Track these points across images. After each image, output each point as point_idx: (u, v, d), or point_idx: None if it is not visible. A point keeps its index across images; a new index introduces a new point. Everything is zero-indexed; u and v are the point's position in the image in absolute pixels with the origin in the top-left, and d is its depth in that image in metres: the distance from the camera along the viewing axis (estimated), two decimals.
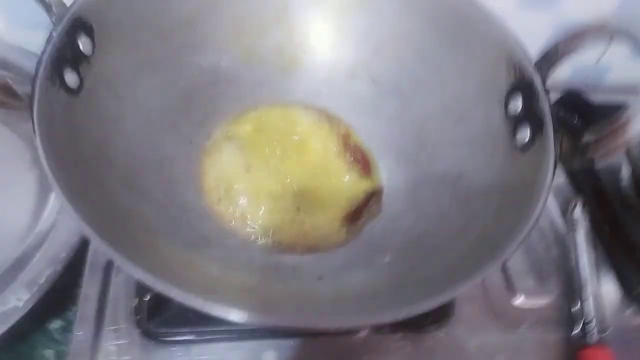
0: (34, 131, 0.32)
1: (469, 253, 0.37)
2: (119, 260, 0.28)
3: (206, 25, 0.49)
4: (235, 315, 0.27)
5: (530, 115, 0.40)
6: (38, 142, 0.31)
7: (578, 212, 0.53)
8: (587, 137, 0.37)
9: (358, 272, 0.40)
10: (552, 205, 0.57)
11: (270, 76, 0.52)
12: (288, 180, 0.46)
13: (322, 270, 0.40)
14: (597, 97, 0.60)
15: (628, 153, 0.55)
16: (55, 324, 0.53)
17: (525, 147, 0.40)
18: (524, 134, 0.41)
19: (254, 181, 0.46)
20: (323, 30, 0.53)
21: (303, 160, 0.48)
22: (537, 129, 0.39)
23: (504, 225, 0.36)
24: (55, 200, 0.52)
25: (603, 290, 0.50)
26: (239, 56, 0.51)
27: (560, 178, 0.60)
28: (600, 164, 0.59)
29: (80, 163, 0.35)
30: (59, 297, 0.51)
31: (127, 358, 0.40)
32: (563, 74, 0.72)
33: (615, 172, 0.62)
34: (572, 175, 0.60)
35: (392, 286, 0.37)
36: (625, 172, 0.60)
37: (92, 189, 0.34)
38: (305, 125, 0.51)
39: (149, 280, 0.28)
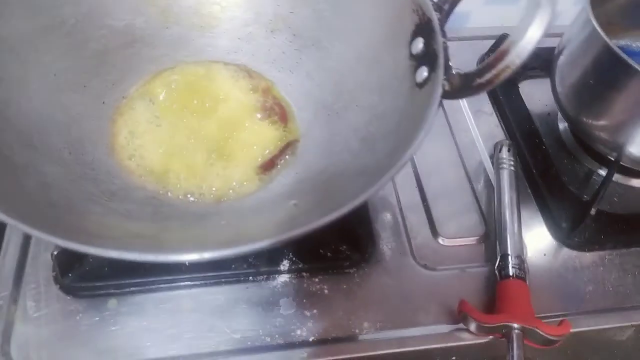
0: None
1: (366, 185, 0.37)
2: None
3: None
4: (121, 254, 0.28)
5: (428, 54, 0.41)
6: None
7: (504, 153, 0.53)
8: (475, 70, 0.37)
9: (262, 216, 0.41)
10: (482, 151, 0.57)
11: (188, 35, 0.52)
12: (202, 134, 0.46)
13: (228, 217, 0.41)
14: None
15: (556, 97, 0.55)
16: None
17: (422, 84, 0.40)
18: (422, 72, 0.41)
19: (166, 137, 0.46)
20: None
21: (219, 115, 0.48)
22: (433, 66, 0.39)
23: (393, 159, 0.36)
24: None
25: (529, 230, 0.51)
26: (155, 16, 0.51)
27: (493, 125, 0.60)
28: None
29: None
30: None
31: (45, 312, 0.41)
32: (511, 20, 0.71)
33: (552, 115, 0.62)
34: (505, 120, 0.60)
35: (295, 221, 0.37)
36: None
37: None
38: (223, 81, 0.51)
39: (35, 233, 0.28)
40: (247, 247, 0.28)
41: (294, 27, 0.52)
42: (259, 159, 0.46)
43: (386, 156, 0.38)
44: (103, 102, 0.47)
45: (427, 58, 0.41)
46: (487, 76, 0.36)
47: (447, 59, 0.39)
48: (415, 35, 0.43)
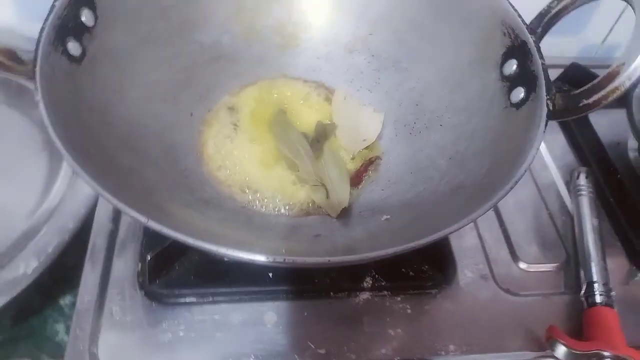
0: (35, 88, 0.33)
1: (465, 205, 0.37)
2: (124, 209, 0.29)
3: (206, 3, 0.50)
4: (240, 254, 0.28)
5: (524, 75, 0.41)
6: (39, 98, 0.33)
7: (582, 180, 0.53)
8: (581, 90, 0.37)
9: (355, 230, 0.41)
10: (556, 177, 0.57)
11: (269, 53, 0.53)
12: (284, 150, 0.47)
13: (319, 230, 0.41)
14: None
15: (633, 126, 0.55)
16: (65, 300, 0.54)
17: (519, 104, 0.41)
18: (519, 93, 0.41)
19: (253, 150, 0.46)
20: (321, 7, 0.54)
21: (302, 130, 0.49)
22: (531, 86, 0.40)
23: (498, 177, 0.36)
24: (63, 177, 0.54)
25: (608, 257, 0.50)
26: (239, 34, 0.52)
27: (565, 151, 0.60)
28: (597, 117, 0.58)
29: (80, 124, 0.36)
30: (68, 272, 0.53)
31: (130, 318, 0.41)
32: (570, 51, 0.72)
33: (621, 145, 0.61)
34: (577, 147, 0.60)
35: (391, 236, 0.37)
36: (633, 144, 0.60)
37: (91, 148, 0.35)
38: (304, 98, 0.52)
39: (155, 226, 0.29)
40: (374, 253, 0.28)
41: (372, 49, 0.53)
42: None
43: (485, 175, 0.38)
44: (191, 114, 0.48)
45: (524, 79, 0.41)
46: (595, 97, 0.36)
47: (548, 80, 0.39)
48: (507, 57, 0.43)
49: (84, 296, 0.42)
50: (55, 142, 0.31)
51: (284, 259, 0.28)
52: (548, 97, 0.38)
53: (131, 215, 0.29)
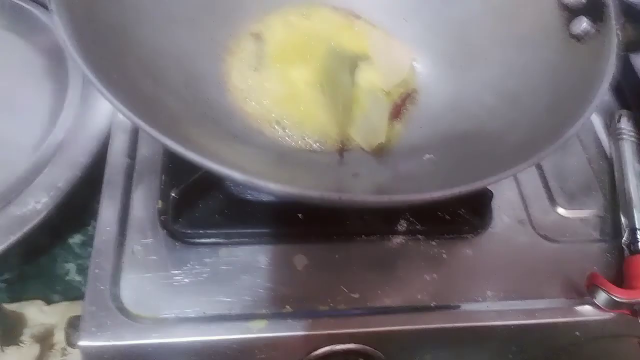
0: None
1: (519, 146, 0.34)
2: (160, 137, 0.25)
3: None
4: (276, 187, 0.25)
5: (588, 4, 0.37)
6: (53, 7, 0.28)
7: (624, 123, 0.50)
8: None
9: (396, 169, 0.38)
10: (595, 120, 0.54)
11: None
12: (316, 80, 0.43)
13: (357, 168, 0.38)
14: None
15: None
16: (75, 239, 0.52)
17: (581, 36, 0.37)
18: (580, 22, 0.37)
19: (281, 80, 0.43)
20: None
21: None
22: (597, 15, 0.36)
23: (559, 115, 0.33)
24: (68, 108, 0.50)
25: None
26: None
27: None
28: None
29: (99, 44, 0.32)
30: (78, 210, 0.50)
31: (153, 257, 0.39)
32: None
33: None
34: (617, 89, 0.56)
35: (435, 178, 0.34)
36: None
37: (113, 72, 0.31)
38: (333, 26, 0.47)
39: (196, 158, 0.25)
40: (439, 193, 0.25)
41: None
42: None
43: (544, 112, 0.35)
44: (212, 39, 0.44)
45: (588, 7, 0.37)
46: None
47: (617, 9, 0.35)
48: None
49: (101, 235, 0.39)
50: (78, 61, 0.27)
51: (340, 197, 0.25)
52: (617, 26, 0.34)
53: (168, 144, 0.25)
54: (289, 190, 0.25)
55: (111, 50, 0.33)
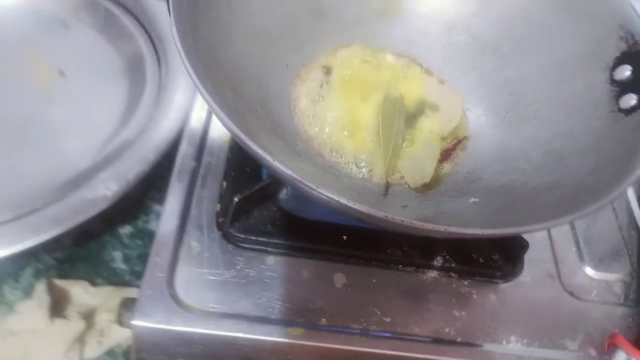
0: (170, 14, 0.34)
1: (557, 203, 0.37)
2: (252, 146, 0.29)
3: None
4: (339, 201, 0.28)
5: (638, 82, 0.40)
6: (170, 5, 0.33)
7: None
8: None
9: (442, 207, 0.41)
10: (629, 190, 0.56)
11: (368, 18, 0.53)
12: (373, 115, 0.47)
13: (407, 201, 0.41)
14: None
15: None
16: (125, 229, 0.55)
17: (630, 111, 0.40)
18: (630, 99, 0.40)
19: (343, 112, 0.46)
20: None
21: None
22: None
23: (600, 181, 0.36)
24: (143, 108, 0.54)
25: None
26: None
27: None
28: None
29: (202, 60, 0.36)
30: (132, 203, 0.54)
31: (207, 255, 0.42)
32: None
33: None
34: None
35: (477, 220, 0.37)
36: None
37: (209, 84, 0.35)
38: (395, 70, 0.51)
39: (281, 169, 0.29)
40: (489, 231, 0.28)
41: (474, 30, 0.52)
42: None
43: (586, 176, 0.38)
44: (287, 66, 0.48)
45: (637, 86, 0.40)
46: None
47: None
48: (620, 61, 0.42)
49: (165, 227, 0.42)
50: (189, 71, 0.31)
51: (402, 221, 0.28)
52: None
53: (257, 153, 0.29)
54: (358, 208, 0.28)
55: (208, 66, 0.37)
